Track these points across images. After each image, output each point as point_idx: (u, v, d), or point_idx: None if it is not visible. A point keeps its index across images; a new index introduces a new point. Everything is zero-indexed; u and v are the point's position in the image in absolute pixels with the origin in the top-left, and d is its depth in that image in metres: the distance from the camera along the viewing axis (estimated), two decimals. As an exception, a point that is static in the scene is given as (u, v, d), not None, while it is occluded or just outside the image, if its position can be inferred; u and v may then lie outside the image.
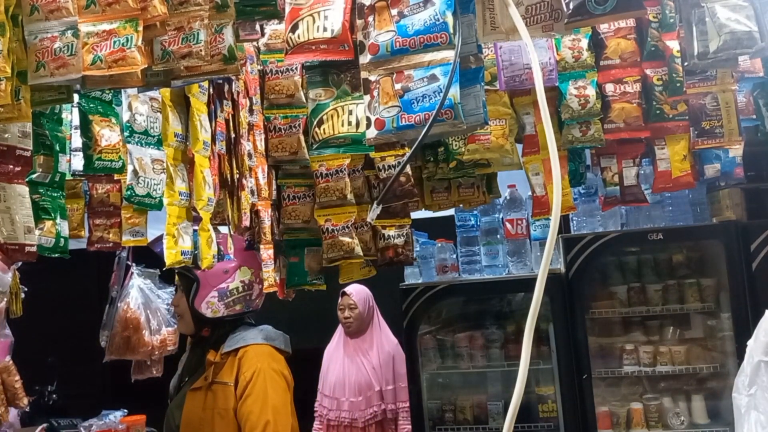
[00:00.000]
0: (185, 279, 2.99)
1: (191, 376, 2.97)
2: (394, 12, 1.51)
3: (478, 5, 1.59)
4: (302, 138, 2.85)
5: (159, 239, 2.82)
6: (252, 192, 2.73)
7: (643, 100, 2.68)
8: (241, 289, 2.95)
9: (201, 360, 2.95)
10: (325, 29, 1.63)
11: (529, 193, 2.94)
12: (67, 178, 2.32)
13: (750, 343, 2.42)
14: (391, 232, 3.11)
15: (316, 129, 1.85)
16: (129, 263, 3.61)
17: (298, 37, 1.66)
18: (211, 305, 2.90)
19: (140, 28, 1.53)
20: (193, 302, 2.93)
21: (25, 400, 2.53)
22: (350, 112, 1.81)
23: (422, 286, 4.25)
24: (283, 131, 2.86)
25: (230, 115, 2.55)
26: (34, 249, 2.04)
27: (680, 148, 2.81)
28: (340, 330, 4.63)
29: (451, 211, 4.00)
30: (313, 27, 1.65)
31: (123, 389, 3.86)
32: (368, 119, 1.52)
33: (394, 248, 3.11)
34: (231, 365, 2.84)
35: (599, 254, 3.95)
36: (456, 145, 2.84)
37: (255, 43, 2.72)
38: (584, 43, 2.65)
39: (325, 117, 1.83)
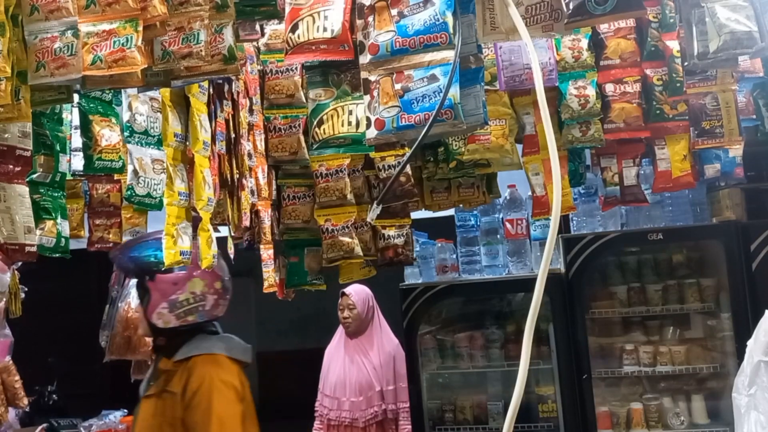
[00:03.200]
0: (140, 288, 2.90)
1: (154, 382, 2.88)
2: (394, 12, 1.51)
3: (478, 5, 1.59)
4: (302, 138, 2.85)
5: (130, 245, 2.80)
6: (252, 192, 2.73)
7: (643, 100, 2.68)
8: (191, 300, 2.84)
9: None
10: (325, 29, 1.63)
11: (529, 193, 2.94)
12: (67, 178, 2.32)
13: (750, 343, 2.42)
14: (391, 232, 3.11)
15: (316, 129, 1.85)
16: (129, 263, 3.60)
17: (298, 37, 1.66)
18: (162, 316, 2.80)
19: (140, 28, 1.53)
20: (146, 312, 2.85)
21: (25, 400, 2.52)
22: (350, 112, 1.81)
23: (422, 286, 4.24)
24: (283, 131, 2.86)
25: (230, 115, 2.55)
26: (34, 249, 2.05)
27: (680, 148, 2.81)
28: (341, 330, 4.63)
29: (451, 211, 3.99)
30: (313, 27, 1.65)
31: (123, 389, 3.85)
32: (368, 119, 1.52)
33: (394, 248, 3.11)
34: (181, 374, 2.76)
35: (599, 254, 3.95)
36: (456, 145, 2.84)
37: (255, 43, 2.72)
38: (584, 43, 2.65)
39: (325, 117, 1.83)
